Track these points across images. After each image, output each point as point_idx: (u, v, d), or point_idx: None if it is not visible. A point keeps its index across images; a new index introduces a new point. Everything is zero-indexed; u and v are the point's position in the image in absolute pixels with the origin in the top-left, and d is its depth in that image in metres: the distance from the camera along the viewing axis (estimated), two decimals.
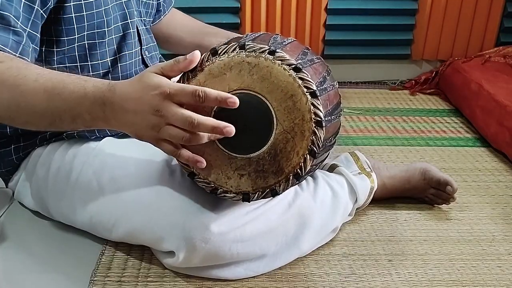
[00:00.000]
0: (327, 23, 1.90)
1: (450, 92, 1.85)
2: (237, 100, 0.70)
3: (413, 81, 1.98)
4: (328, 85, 0.83)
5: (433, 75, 1.95)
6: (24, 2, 0.81)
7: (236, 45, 0.76)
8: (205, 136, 0.71)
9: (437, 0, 1.89)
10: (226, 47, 0.76)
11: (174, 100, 0.69)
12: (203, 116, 0.70)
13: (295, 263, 0.96)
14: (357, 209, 1.10)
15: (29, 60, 0.82)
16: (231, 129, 0.70)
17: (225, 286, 0.91)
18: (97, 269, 0.93)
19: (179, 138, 0.71)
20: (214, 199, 0.87)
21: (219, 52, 0.76)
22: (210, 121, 0.70)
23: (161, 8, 1.22)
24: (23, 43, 0.81)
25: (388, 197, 1.16)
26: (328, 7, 1.88)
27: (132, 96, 0.71)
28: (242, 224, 0.88)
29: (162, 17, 1.24)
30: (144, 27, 1.07)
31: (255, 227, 0.89)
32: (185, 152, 0.74)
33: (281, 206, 0.92)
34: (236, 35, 1.22)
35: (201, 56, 0.77)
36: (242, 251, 0.88)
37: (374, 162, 1.16)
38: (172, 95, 0.69)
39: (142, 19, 1.07)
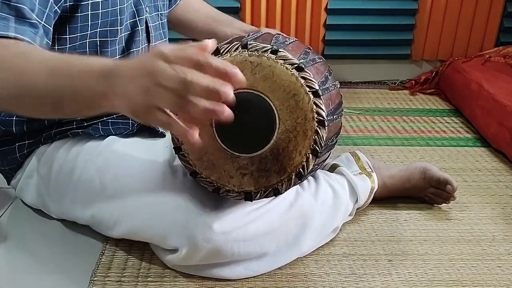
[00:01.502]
0: (327, 23, 1.90)
1: (450, 92, 1.85)
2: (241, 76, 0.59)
3: (413, 81, 1.98)
4: (330, 84, 0.83)
5: (433, 75, 1.95)
6: None
7: (238, 44, 0.76)
8: (199, 107, 0.59)
9: (437, 0, 1.89)
10: (229, 46, 0.76)
11: (171, 61, 0.60)
12: (199, 73, 0.59)
13: (295, 263, 0.96)
14: (357, 209, 1.10)
15: None
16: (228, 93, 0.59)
17: (226, 286, 0.91)
18: (97, 269, 0.93)
19: (172, 101, 0.60)
20: (216, 198, 0.87)
21: (221, 51, 0.76)
22: (206, 80, 0.58)
23: None
24: (39, 35, 0.80)
25: (388, 197, 1.16)
26: (328, 7, 1.88)
27: (134, 65, 0.64)
28: (244, 224, 0.88)
29: (178, 1, 1.23)
30: (159, 22, 1.06)
31: (257, 227, 0.89)
32: (177, 123, 0.62)
33: (282, 206, 0.92)
34: (249, 26, 1.21)
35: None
36: (243, 250, 0.88)
37: (374, 161, 1.16)
38: (169, 54, 0.60)
39: (159, 13, 1.06)
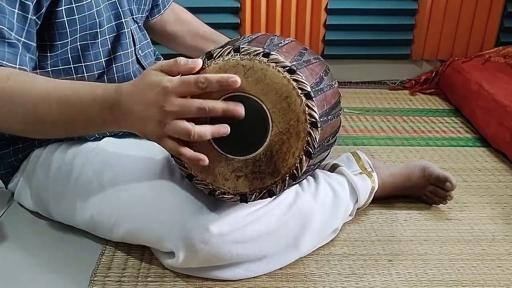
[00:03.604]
0: (327, 23, 1.90)
1: (450, 92, 1.85)
2: (238, 79, 0.71)
3: (413, 81, 1.98)
4: (325, 85, 0.83)
5: (433, 75, 1.95)
6: (17, 13, 0.80)
7: (230, 48, 0.77)
8: (208, 132, 0.72)
9: (437, 0, 1.89)
10: (221, 50, 0.77)
11: (177, 94, 0.71)
12: (212, 101, 0.72)
13: (295, 263, 0.96)
14: (357, 209, 1.10)
15: (28, 70, 0.82)
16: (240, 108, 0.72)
17: (225, 286, 0.91)
18: (97, 269, 0.93)
19: (184, 133, 0.71)
20: (214, 200, 0.87)
21: (214, 55, 0.77)
22: (220, 104, 0.72)
23: (159, 2, 1.21)
24: (19, 54, 0.81)
25: (389, 196, 1.16)
26: (328, 7, 1.88)
27: (137, 96, 0.73)
28: (243, 226, 0.87)
29: (162, 11, 1.22)
30: (136, 25, 1.06)
31: (256, 229, 0.88)
32: (188, 150, 0.74)
33: (281, 207, 0.91)
34: None
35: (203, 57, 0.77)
36: (242, 252, 0.88)
37: (374, 161, 1.16)
38: (174, 88, 0.71)
39: (134, 16, 1.05)
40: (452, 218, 1.14)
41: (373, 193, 1.10)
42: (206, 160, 0.74)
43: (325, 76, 0.86)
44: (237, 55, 0.76)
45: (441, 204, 1.17)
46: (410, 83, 1.98)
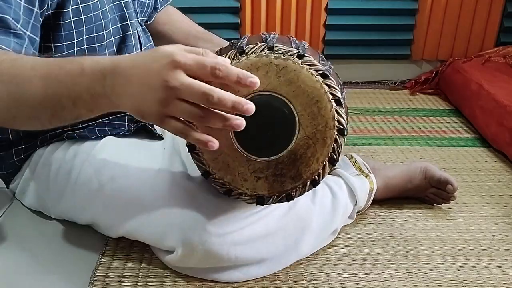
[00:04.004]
0: (327, 23, 1.90)
1: (450, 92, 1.85)
2: (257, 81, 0.63)
3: (413, 81, 1.98)
4: (345, 93, 0.83)
5: (433, 75, 1.95)
6: (23, 5, 0.79)
7: (264, 45, 0.75)
8: (220, 120, 0.63)
9: (437, 0, 1.89)
10: (254, 46, 0.75)
11: (187, 72, 0.61)
12: (223, 91, 0.61)
13: (295, 263, 0.96)
14: (358, 212, 1.09)
15: None
16: (251, 106, 0.62)
17: (225, 286, 0.91)
18: (97, 269, 0.93)
19: (191, 114, 0.62)
20: (213, 201, 0.86)
21: (246, 51, 0.74)
22: (231, 96, 0.61)
23: (158, 5, 1.20)
24: (25, 45, 0.79)
25: (390, 197, 1.16)
26: (328, 7, 1.88)
27: (139, 66, 0.64)
28: (241, 228, 0.87)
29: (156, 13, 1.22)
30: (141, 28, 1.05)
31: (254, 231, 0.88)
32: (195, 131, 0.65)
33: (280, 210, 0.91)
34: (228, 43, 1.20)
35: (228, 53, 0.75)
36: (240, 255, 0.88)
37: (375, 163, 1.16)
38: (185, 64, 0.61)
39: (139, 19, 1.05)
40: (452, 218, 1.14)
41: (373, 195, 1.10)
42: (215, 143, 0.64)
43: (341, 83, 0.85)
44: (270, 53, 0.74)
45: (443, 204, 1.17)
46: (410, 83, 1.98)
